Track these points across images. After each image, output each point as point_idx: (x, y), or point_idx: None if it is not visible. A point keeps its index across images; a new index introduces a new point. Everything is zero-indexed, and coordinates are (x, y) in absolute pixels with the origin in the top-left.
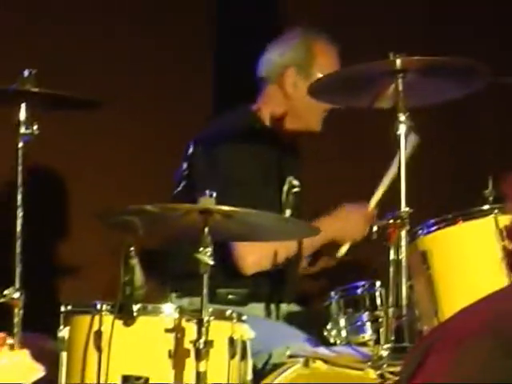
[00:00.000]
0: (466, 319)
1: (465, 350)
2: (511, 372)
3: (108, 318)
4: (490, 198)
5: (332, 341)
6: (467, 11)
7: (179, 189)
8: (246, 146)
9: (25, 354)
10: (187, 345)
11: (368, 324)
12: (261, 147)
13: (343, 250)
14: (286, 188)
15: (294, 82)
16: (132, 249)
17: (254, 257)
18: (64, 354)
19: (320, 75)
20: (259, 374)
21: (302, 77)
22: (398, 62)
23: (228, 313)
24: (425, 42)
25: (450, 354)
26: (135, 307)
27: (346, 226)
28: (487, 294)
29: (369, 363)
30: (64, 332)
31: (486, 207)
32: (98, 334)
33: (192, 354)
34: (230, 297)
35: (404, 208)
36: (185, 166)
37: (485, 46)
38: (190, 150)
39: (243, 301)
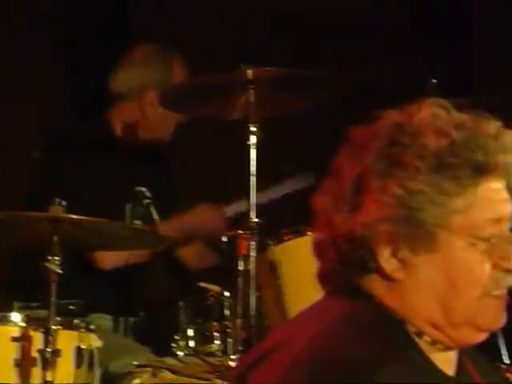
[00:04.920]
0: (286, 342)
1: (283, 381)
2: None
3: None
4: None
5: (180, 351)
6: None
7: (27, 194)
8: (94, 155)
9: None
10: (34, 353)
11: (216, 334)
12: (110, 157)
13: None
14: (135, 199)
15: (152, 102)
16: None
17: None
18: None
19: None
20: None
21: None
22: (249, 72)
23: (76, 322)
24: (284, 54)
25: (270, 378)
26: None
27: (200, 222)
28: (304, 310)
29: (216, 373)
30: None
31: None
32: None
33: (39, 362)
34: (70, 307)
35: (253, 219)
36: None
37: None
38: (38, 156)
39: (84, 311)
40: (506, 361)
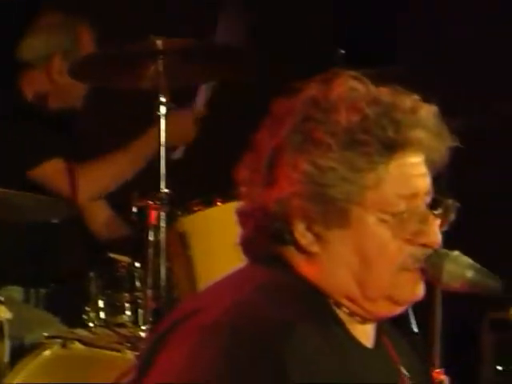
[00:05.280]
0: (201, 310)
1: (198, 346)
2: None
3: None
4: None
5: (91, 322)
6: None
7: None
8: (5, 123)
9: None
10: None
11: (127, 305)
12: (21, 125)
13: (177, 152)
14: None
15: (60, 69)
16: None
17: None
18: None
19: None
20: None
21: (68, 63)
22: (159, 43)
23: None
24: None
25: (184, 347)
26: None
27: (174, 130)
28: (223, 278)
29: (127, 344)
30: None
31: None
32: None
33: None
34: None
35: (163, 189)
36: None
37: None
38: None
39: None
40: (415, 330)
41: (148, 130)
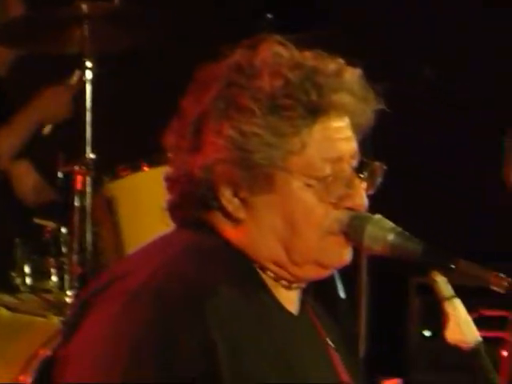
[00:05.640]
0: (128, 274)
1: (124, 309)
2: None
3: None
4: None
5: (17, 287)
6: None
7: None
8: None
9: None
10: None
11: (53, 270)
12: None
13: (47, 129)
14: None
15: None
16: None
17: None
18: None
19: None
20: None
21: None
22: (84, 7)
23: None
24: None
25: (110, 310)
26: None
27: (49, 105)
28: (149, 243)
29: (52, 309)
30: None
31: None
32: None
33: None
34: None
35: (89, 154)
36: None
37: None
38: None
39: None
40: (342, 295)
41: (29, 103)
